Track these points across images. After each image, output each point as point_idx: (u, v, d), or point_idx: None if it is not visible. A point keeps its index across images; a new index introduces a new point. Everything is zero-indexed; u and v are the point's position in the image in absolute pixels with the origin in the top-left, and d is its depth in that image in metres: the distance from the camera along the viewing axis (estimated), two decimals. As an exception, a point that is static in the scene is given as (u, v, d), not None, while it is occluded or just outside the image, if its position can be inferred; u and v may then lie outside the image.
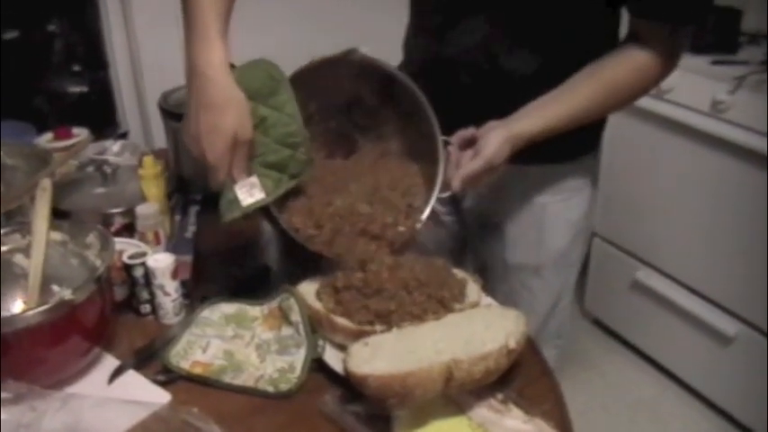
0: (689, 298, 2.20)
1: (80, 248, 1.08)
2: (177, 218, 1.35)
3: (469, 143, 1.13)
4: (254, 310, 1.11)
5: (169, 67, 1.57)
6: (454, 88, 1.21)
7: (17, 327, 0.90)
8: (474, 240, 1.46)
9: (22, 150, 1.33)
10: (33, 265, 1.03)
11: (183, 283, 1.13)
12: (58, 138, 1.51)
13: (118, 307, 1.10)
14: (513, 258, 1.37)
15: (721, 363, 2.15)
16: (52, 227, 1.06)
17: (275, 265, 1.25)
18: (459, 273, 1.11)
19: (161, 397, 0.96)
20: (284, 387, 0.97)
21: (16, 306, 1.07)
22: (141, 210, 1.21)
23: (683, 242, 2.20)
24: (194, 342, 1.04)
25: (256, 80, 1.01)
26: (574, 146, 1.26)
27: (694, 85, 2.01)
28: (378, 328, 0.99)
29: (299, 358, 1.01)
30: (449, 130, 1.14)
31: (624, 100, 1.18)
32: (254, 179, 1.02)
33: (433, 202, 1.15)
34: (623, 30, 1.18)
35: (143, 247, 1.16)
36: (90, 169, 1.41)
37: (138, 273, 1.10)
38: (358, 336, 0.97)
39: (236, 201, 1.01)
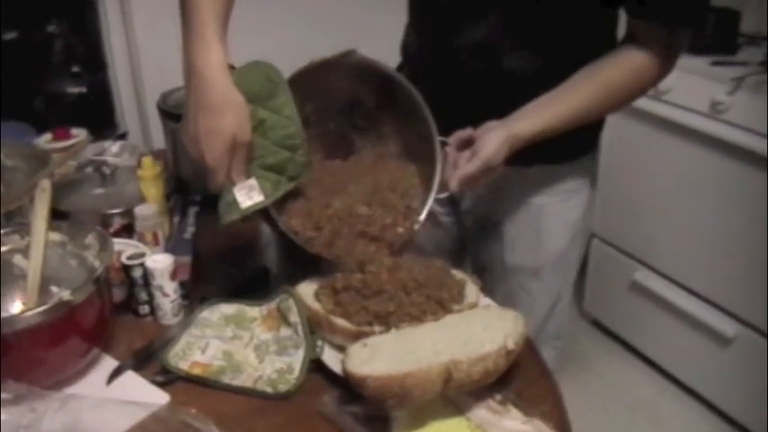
0: (688, 299, 2.20)
1: (79, 249, 1.08)
2: (176, 219, 1.35)
3: (467, 144, 1.13)
4: (253, 311, 1.11)
5: (168, 67, 1.57)
6: (452, 89, 1.21)
7: (16, 327, 0.90)
8: (472, 241, 1.46)
9: (22, 151, 1.33)
10: (32, 265, 1.03)
11: (182, 284, 1.13)
12: (57, 138, 1.51)
13: (117, 308, 1.10)
14: (511, 259, 1.37)
15: (720, 364, 2.15)
16: (51, 227, 1.06)
17: (274, 266, 1.25)
18: (457, 274, 1.11)
19: (160, 398, 0.96)
20: (283, 388, 0.97)
21: (15, 307, 1.07)
22: (140, 210, 1.21)
23: (681, 243, 2.20)
24: (193, 343, 1.04)
25: (255, 82, 1.01)
26: (572, 146, 1.26)
27: (693, 85, 2.01)
28: (377, 328, 0.99)
29: (297, 359, 1.01)
30: (447, 130, 1.14)
31: (622, 100, 1.18)
32: (252, 181, 1.02)
33: (430, 202, 1.15)
34: (621, 30, 1.18)
35: (142, 247, 1.16)
36: (89, 170, 1.40)
37: (137, 273, 1.10)
38: (357, 337, 0.97)
39: (235, 203, 1.01)
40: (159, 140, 1.67)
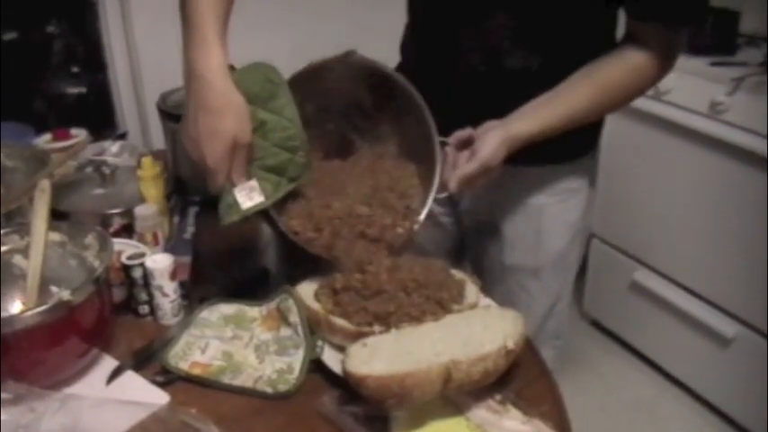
0: (687, 299, 2.20)
1: (79, 249, 1.08)
2: (176, 219, 1.35)
3: (467, 144, 1.13)
4: (253, 311, 1.11)
5: (168, 68, 1.57)
6: (452, 89, 1.21)
7: (16, 327, 0.89)
8: (472, 241, 1.46)
9: (21, 151, 1.33)
10: (32, 265, 1.03)
11: (182, 284, 1.13)
12: (56, 139, 1.51)
13: (116, 308, 1.10)
14: (510, 260, 1.37)
15: (720, 364, 2.15)
16: (51, 228, 1.06)
17: (274, 266, 1.25)
18: (457, 274, 1.11)
19: (160, 398, 0.96)
20: (283, 388, 0.97)
21: (15, 307, 1.07)
22: (140, 211, 1.21)
23: (681, 243, 2.20)
24: (193, 343, 1.04)
25: (255, 84, 1.01)
26: (571, 147, 1.27)
27: (693, 86, 2.02)
28: (376, 329, 0.99)
29: (297, 359, 1.01)
30: (447, 130, 1.14)
31: (621, 101, 1.18)
32: (253, 182, 1.02)
33: (430, 203, 1.15)
34: (620, 31, 1.18)
35: (142, 248, 1.16)
36: (89, 170, 1.40)
37: (137, 274, 1.10)
38: (356, 337, 0.97)
39: (235, 204, 1.01)
40: (159, 141, 1.67)
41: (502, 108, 1.14)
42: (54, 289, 1.07)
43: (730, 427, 2.16)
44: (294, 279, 1.10)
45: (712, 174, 2.03)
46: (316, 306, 1.04)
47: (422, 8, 1.30)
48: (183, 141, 1.01)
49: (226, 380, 0.99)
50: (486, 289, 1.16)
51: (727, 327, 2.09)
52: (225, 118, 0.96)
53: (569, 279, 1.44)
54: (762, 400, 1.98)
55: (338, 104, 1.17)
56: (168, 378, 0.99)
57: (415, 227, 1.13)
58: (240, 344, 1.05)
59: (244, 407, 0.96)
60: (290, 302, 1.06)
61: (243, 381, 0.98)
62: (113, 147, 1.52)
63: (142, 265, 1.10)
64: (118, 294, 1.12)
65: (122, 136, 1.73)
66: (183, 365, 1.00)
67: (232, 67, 1.00)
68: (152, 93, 1.59)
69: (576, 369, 2.37)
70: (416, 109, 1.13)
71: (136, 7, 2.08)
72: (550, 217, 1.33)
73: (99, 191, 1.35)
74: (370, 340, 0.95)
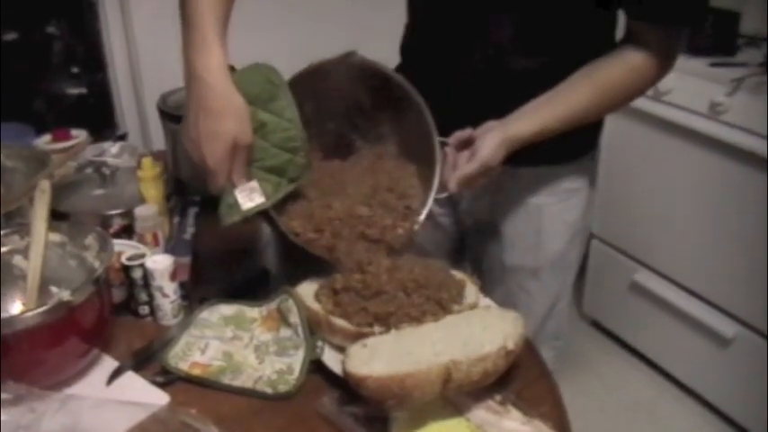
0: (687, 300, 2.20)
1: (79, 250, 1.08)
2: (176, 219, 1.35)
3: (466, 144, 1.13)
4: (253, 312, 1.11)
5: (168, 68, 1.57)
6: (452, 89, 1.21)
7: (16, 328, 0.90)
8: (472, 242, 1.46)
9: (21, 152, 1.33)
10: (32, 266, 1.03)
11: (182, 285, 1.13)
12: (56, 139, 1.51)
13: (116, 308, 1.10)
14: (510, 260, 1.37)
15: (720, 364, 2.15)
16: (51, 228, 1.06)
17: (273, 266, 1.25)
18: (457, 274, 1.11)
19: (160, 398, 0.96)
20: (283, 388, 0.97)
21: (15, 307, 1.07)
22: (140, 211, 1.21)
23: (681, 244, 2.20)
24: (193, 343, 1.04)
25: (255, 85, 1.01)
26: (571, 146, 1.27)
27: (693, 87, 2.02)
28: (376, 329, 0.99)
29: (297, 360, 1.01)
30: (447, 130, 1.14)
31: (620, 101, 1.18)
32: (254, 183, 1.02)
33: (430, 203, 1.15)
34: (620, 31, 1.18)
35: (142, 248, 1.16)
36: (89, 171, 1.41)
37: (137, 274, 1.10)
38: (357, 337, 0.97)
39: (236, 205, 1.02)
40: (159, 141, 1.67)
41: (502, 108, 1.14)
42: (54, 289, 1.07)
43: (730, 428, 2.16)
44: (294, 279, 1.10)
45: (712, 174, 2.03)
46: (316, 306, 1.04)
47: (422, 8, 1.30)
48: (183, 142, 1.01)
49: (226, 380, 0.99)
50: (486, 289, 1.16)
51: (727, 327, 2.09)
52: (225, 119, 0.96)
53: (569, 279, 1.44)
54: (762, 401, 1.98)
55: (338, 105, 1.17)
56: (168, 378, 0.99)
57: (416, 227, 1.13)
58: (240, 344, 1.05)
59: (244, 407, 0.96)
60: (290, 303, 1.06)
61: (243, 381, 0.98)
62: (113, 147, 1.52)
63: (142, 265, 1.10)
64: (118, 295, 1.12)
65: (122, 137, 1.73)
66: (183, 366, 1.00)
67: (232, 68, 1.00)
68: (152, 93, 1.59)
69: (576, 370, 2.37)
70: (416, 109, 1.13)
71: (136, 7, 2.09)
72: (550, 217, 1.33)
73: (99, 191, 1.35)
74: (370, 341, 0.95)
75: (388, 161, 1.18)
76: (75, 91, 2.14)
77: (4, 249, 1.07)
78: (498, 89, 1.18)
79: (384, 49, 1.23)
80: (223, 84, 0.97)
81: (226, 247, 1.28)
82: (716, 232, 2.07)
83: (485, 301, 1.12)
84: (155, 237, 1.21)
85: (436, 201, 1.16)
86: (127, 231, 1.25)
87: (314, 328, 1.04)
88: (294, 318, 1.05)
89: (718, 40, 2.08)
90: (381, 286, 1.01)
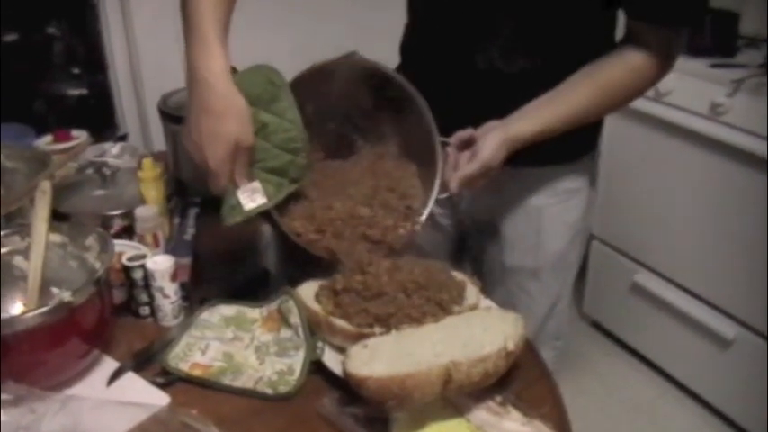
0: (688, 301, 2.20)
1: (79, 251, 1.08)
2: (176, 220, 1.35)
3: (468, 144, 1.13)
4: (254, 313, 1.11)
5: (168, 69, 1.57)
6: (453, 90, 1.21)
7: (16, 329, 0.90)
8: (472, 243, 1.46)
9: (22, 153, 1.33)
10: (33, 267, 1.03)
11: (183, 286, 1.13)
12: (57, 140, 1.51)
13: (117, 309, 1.10)
14: (510, 261, 1.37)
15: (720, 365, 2.15)
16: (52, 229, 1.06)
17: (274, 267, 1.25)
18: (458, 275, 1.11)
19: (160, 399, 0.96)
20: (283, 389, 0.97)
21: (16, 308, 1.07)
22: (140, 212, 1.21)
23: (681, 245, 2.20)
24: (193, 344, 1.05)
25: (257, 86, 1.01)
26: (571, 147, 1.27)
27: (693, 88, 2.02)
28: (377, 330, 0.99)
29: (298, 360, 1.01)
30: (447, 131, 1.15)
31: (621, 101, 1.18)
32: (256, 184, 1.02)
33: (431, 203, 1.15)
34: (620, 32, 1.18)
35: (142, 249, 1.17)
36: (89, 172, 1.41)
37: (138, 275, 1.10)
38: (357, 338, 0.97)
39: (238, 206, 1.02)
40: (159, 142, 1.67)
41: (503, 108, 1.14)
42: (55, 290, 1.07)
43: (730, 429, 2.16)
44: (294, 280, 1.10)
45: (712, 175, 2.03)
46: (316, 307, 1.04)
47: (422, 8, 1.30)
48: (185, 144, 1.01)
49: (226, 381, 0.99)
50: (486, 290, 1.16)
51: (727, 328, 2.09)
52: (227, 121, 0.96)
53: (569, 280, 1.44)
54: (762, 402, 1.98)
55: (339, 105, 1.17)
56: (168, 379, 0.99)
57: (417, 228, 1.13)
58: (241, 345, 1.05)
59: (244, 408, 0.96)
60: (291, 304, 1.06)
61: (243, 382, 0.98)
62: (114, 148, 1.52)
63: (143, 266, 1.10)
64: (118, 296, 1.12)
65: (123, 137, 1.74)
66: (184, 366, 1.00)
67: (234, 70, 1.00)
68: (153, 94, 1.59)
69: (576, 370, 2.37)
70: (417, 109, 1.14)
71: (136, 8, 2.09)
72: (550, 217, 1.33)
73: (99, 192, 1.35)
74: (370, 342, 0.95)
75: (389, 161, 1.18)
76: (75, 92, 2.14)
77: (4, 250, 1.07)
78: (498, 89, 1.19)
79: (384, 49, 1.23)
80: (224, 85, 0.97)
81: (226, 248, 1.28)
82: (716, 233, 2.07)
83: (485, 302, 1.12)
84: (155, 238, 1.21)
85: (436, 201, 1.16)
86: (127, 232, 1.25)
87: (314, 328, 1.04)
88: (295, 318, 1.05)
89: (718, 41, 2.08)
90: (382, 287, 1.01)
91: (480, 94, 1.20)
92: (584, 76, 1.14)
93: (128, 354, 1.04)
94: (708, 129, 1.98)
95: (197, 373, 1.00)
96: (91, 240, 1.07)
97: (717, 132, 1.96)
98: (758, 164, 1.87)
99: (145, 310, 1.13)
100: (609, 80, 1.14)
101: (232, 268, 1.25)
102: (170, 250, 1.21)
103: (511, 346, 0.93)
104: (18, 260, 1.08)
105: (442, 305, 1.02)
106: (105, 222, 1.25)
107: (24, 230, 1.08)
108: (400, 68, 1.31)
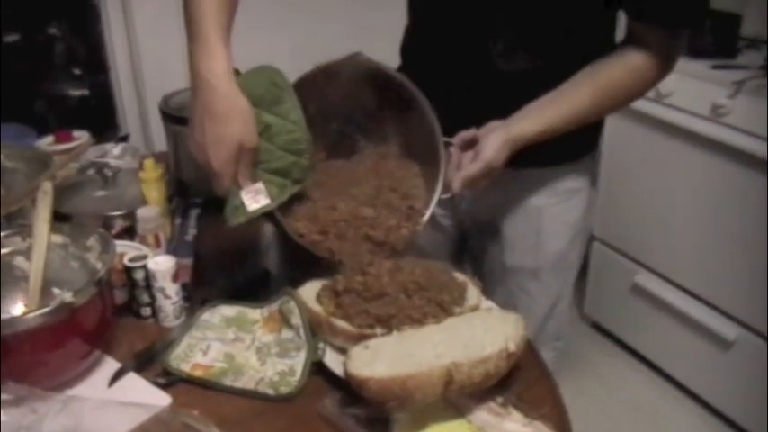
0: (688, 301, 2.20)
1: (81, 251, 1.08)
2: (178, 221, 1.35)
3: (470, 144, 1.13)
4: (255, 313, 1.12)
5: (170, 70, 1.57)
6: (454, 90, 1.21)
7: (18, 329, 0.90)
8: (472, 243, 1.46)
9: (23, 153, 1.33)
10: (34, 267, 1.03)
11: (184, 286, 1.13)
12: (58, 141, 1.51)
13: (118, 310, 1.10)
14: (511, 261, 1.37)
15: (721, 366, 2.15)
16: (53, 230, 1.06)
17: (275, 268, 1.25)
18: (459, 276, 1.11)
19: (161, 399, 0.96)
20: (284, 390, 0.97)
21: (17, 309, 1.07)
22: (142, 213, 1.21)
23: (682, 246, 2.20)
24: (195, 345, 1.05)
25: (260, 87, 1.01)
26: (572, 147, 1.27)
27: (694, 89, 2.02)
28: (378, 331, 0.99)
29: (299, 361, 1.01)
30: (450, 131, 1.15)
31: (622, 101, 1.19)
32: (259, 185, 1.03)
33: (434, 203, 1.15)
34: (620, 33, 1.19)
35: (144, 250, 1.17)
36: (91, 172, 1.41)
37: (139, 276, 1.10)
38: (358, 339, 0.97)
39: (241, 207, 1.02)
40: (161, 143, 1.67)
41: (505, 109, 1.15)
42: (56, 291, 1.07)
43: (731, 430, 2.16)
44: (296, 281, 1.10)
45: (713, 176, 2.03)
46: (317, 308, 1.04)
47: (422, 9, 1.30)
48: (188, 145, 1.01)
49: (227, 382, 0.99)
50: (487, 290, 1.16)
51: (727, 329, 2.09)
52: (230, 122, 0.97)
53: (569, 280, 1.44)
54: (762, 403, 1.98)
55: (343, 105, 1.17)
56: (170, 380, 0.99)
57: (419, 228, 1.13)
58: (242, 346, 1.05)
59: (245, 409, 0.96)
60: (292, 304, 1.06)
61: (244, 383, 0.98)
62: (115, 149, 1.52)
63: (144, 267, 1.10)
64: (120, 296, 1.12)
65: (124, 138, 1.74)
66: (185, 367, 1.00)
67: (237, 71, 1.01)
68: (154, 95, 1.60)
69: (576, 371, 2.37)
70: (420, 110, 1.14)
71: (137, 8, 2.09)
72: (550, 218, 1.33)
73: (101, 193, 1.36)
74: (371, 342, 0.95)
75: (392, 161, 1.18)
76: (76, 92, 2.14)
77: (6, 251, 1.07)
78: (499, 90, 1.19)
79: (385, 50, 1.23)
80: (228, 87, 0.97)
81: (227, 249, 1.28)
82: (717, 234, 2.07)
83: (486, 303, 1.12)
84: (156, 238, 1.21)
85: (438, 201, 1.16)
86: (129, 233, 1.25)
87: (315, 329, 1.04)
88: (296, 319, 1.05)
89: (719, 42, 2.08)
90: (383, 288, 1.01)
91: (480, 95, 1.20)
92: (585, 77, 1.15)
93: (129, 354, 1.04)
94: (709, 130, 1.99)
95: (198, 373, 1.00)
96: (92, 241, 1.07)
97: (717, 134, 1.96)
98: (759, 165, 1.87)
99: (146, 311, 1.13)
100: (610, 80, 1.14)
101: (233, 269, 1.25)
102: (171, 251, 1.21)
103: (512, 347, 0.93)
104: (19, 261, 1.08)
105: (443, 306, 1.03)
106: (107, 223, 1.25)
107: (26, 231, 1.08)
108: (401, 70, 1.31)
